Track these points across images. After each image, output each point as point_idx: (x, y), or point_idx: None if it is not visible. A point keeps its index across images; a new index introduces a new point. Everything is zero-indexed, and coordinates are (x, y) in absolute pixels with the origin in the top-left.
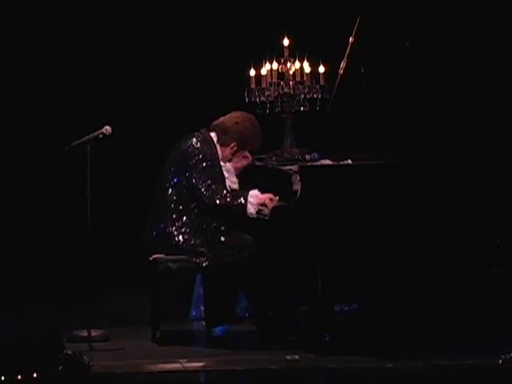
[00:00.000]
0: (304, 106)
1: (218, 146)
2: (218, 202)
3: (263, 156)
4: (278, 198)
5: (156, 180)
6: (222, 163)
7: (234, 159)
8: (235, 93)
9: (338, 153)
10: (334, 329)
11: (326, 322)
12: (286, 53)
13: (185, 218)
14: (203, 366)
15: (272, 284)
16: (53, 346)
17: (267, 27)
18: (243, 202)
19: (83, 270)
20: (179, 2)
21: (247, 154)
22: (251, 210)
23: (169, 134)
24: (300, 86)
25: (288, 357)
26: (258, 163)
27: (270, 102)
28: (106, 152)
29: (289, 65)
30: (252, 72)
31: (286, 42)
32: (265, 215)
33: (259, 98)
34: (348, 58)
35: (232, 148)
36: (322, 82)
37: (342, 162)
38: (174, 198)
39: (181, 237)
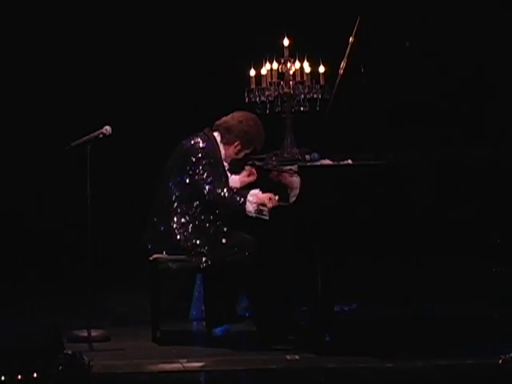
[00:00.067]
0: (304, 106)
1: (221, 146)
2: (218, 198)
3: (263, 156)
4: (277, 197)
5: (157, 180)
6: (224, 163)
7: (242, 173)
8: (235, 93)
9: (337, 153)
10: (334, 329)
11: (326, 322)
12: (286, 53)
13: (186, 217)
14: (203, 366)
15: (272, 284)
16: (53, 345)
17: (267, 27)
18: (242, 200)
19: (83, 269)
20: (179, 2)
21: (253, 170)
22: (250, 208)
23: (169, 134)
24: (300, 86)
25: (288, 357)
26: (257, 163)
27: (269, 101)
28: (106, 152)
29: (289, 65)
30: (252, 72)
31: (286, 42)
32: (264, 215)
33: (259, 98)
34: (348, 58)
35: (236, 147)
36: (322, 82)
37: (341, 162)
38: (176, 197)
39: (182, 237)
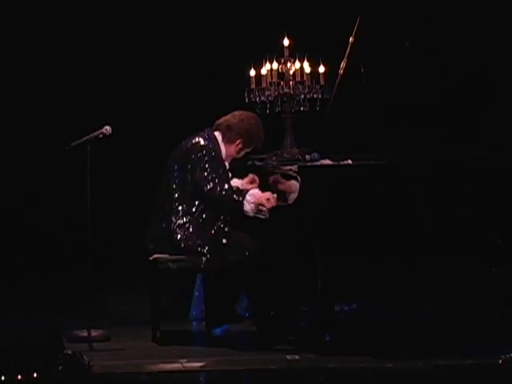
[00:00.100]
0: (304, 106)
1: (222, 145)
2: (218, 196)
3: (263, 156)
4: (275, 195)
5: (157, 180)
6: (226, 163)
7: (244, 179)
8: (235, 93)
9: (337, 153)
10: (334, 329)
11: (326, 322)
12: (286, 53)
13: (187, 217)
14: (203, 366)
15: (272, 284)
16: (53, 345)
17: (267, 27)
18: (241, 199)
19: (83, 269)
20: (179, 2)
21: (256, 178)
22: (247, 208)
23: (169, 134)
24: (300, 86)
25: (288, 357)
26: (257, 163)
27: (269, 101)
28: (106, 152)
29: (289, 65)
30: (252, 72)
31: (286, 42)
32: (262, 215)
33: (259, 98)
34: (348, 58)
35: (237, 145)
36: (322, 82)
37: (342, 162)
38: (177, 197)
39: (182, 236)
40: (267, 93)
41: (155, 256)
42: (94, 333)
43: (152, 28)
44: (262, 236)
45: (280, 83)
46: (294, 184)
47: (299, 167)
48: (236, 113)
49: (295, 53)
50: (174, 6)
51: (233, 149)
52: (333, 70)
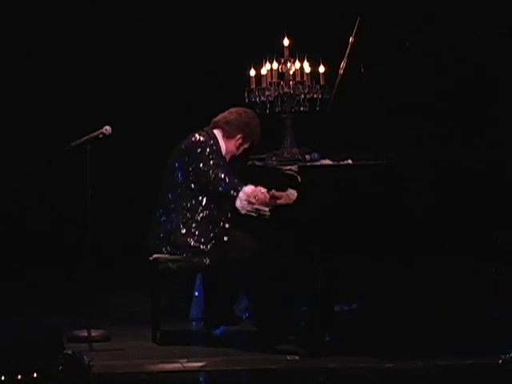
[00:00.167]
0: (304, 106)
1: (222, 142)
2: (220, 188)
3: (263, 156)
4: (273, 192)
5: (157, 180)
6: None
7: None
8: (235, 93)
9: (338, 153)
10: (334, 329)
11: (326, 322)
12: (286, 53)
13: (189, 215)
14: (203, 366)
15: (272, 284)
16: (53, 346)
17: (267, 27)
18: (235, 194)
19: (83, 270)
20: (179, 2)
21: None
22: (238, 203)
23: (169, 134)
24: (300, 86)
25: (288, 357)
26: (257, 163)
27: (269, 101)
28: (106, 152)
29: (289, 65)
30: (252, 72)
31: (286, 41)
32: (254, 213)
33: (259, 98)
34: (348, 58)
35: (237, 140)
36: (322, 82)
37: (342, 162)
38: (179, 195)
39: (184, 234)
40: (267, 93)
41: (155, 256)
42: (93, 333)
43: (152, 28)
44: (262, 236)
45: (280, 83)
46: (292, 193)
47: (299, 167)
48: (232, 109)
49: (295, 53)
50: (174, 6)
51: (233, 144)
52: (333, 70)
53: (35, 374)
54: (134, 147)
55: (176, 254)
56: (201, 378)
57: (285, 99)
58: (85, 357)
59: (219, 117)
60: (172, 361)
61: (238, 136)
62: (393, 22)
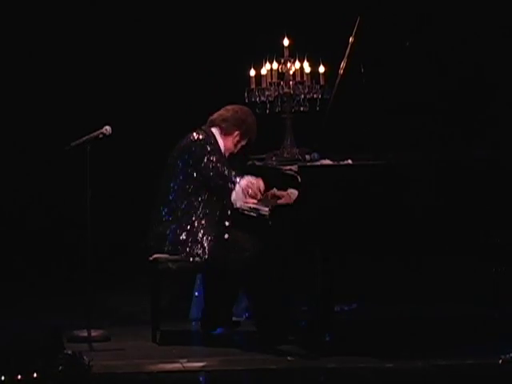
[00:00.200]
0: (304, 106)
1: (220, 140)
2: (220, 182)
3: (263, 156)
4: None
5: (157, 180)
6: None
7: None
8: (235, 93)
9: (338, 153)
10: (334, 329)
11: (326, 322)
12: (286, 53)
13: (190, 214)
14: (203, 366)
15: (272, 284)
16: (53, 346)
17: (267, 27)
18: (232, 187)
19: (83, 269)
20: (179, 2)
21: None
22: (233, 196)
23: (169, 134)
24: (300, 86)
25: (288, 357)
26: (257, 163)
27: (270, 102)
28: (106, 152)
29: (289, 65)
30: (252, 72)
31: (286, 42)
32: (249, 210)
33: (259, 98)
34: (348, 58)
35: (235, 137)
36: (322, 82)
37: (342, 162)
38: (180, 195)
39: (186, 234)
40: (267, 93)
41: (155, 256)
42: (93, 333)
43: (152, 28)
44: (262, 236)
45: (280, 83)
46: (293, 192)
47: (299, 167)
48: (228, 107)
49: (295, 53)
50: (174, 6)
51: (230, 141)
52: (333, 70)
53: (35, 374)
54: (134, 147)
55: (177, 254)
56: (201, 378)
57: (285, 99)
58: (85, 357)
59: (215, 115)
60: (172, 361)
61: (236, 133)
62: (393, 22)
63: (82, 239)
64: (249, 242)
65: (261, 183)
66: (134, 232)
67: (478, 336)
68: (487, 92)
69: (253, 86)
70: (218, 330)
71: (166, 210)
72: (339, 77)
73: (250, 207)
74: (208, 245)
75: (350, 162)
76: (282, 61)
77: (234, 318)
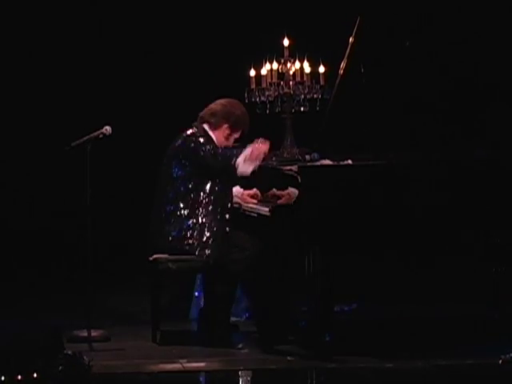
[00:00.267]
0: (304, 106)
1: (212, 136)
2: (223, 162)
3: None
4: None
5: (157, 179)
6: None
7: (247, 191)
8: (235, 93)
9: (338, 153)
10: (334, 329)
11: (326, 322)
12: (286, 53)
13: (191, 210)
14: (203, 366)
15: (272, 284)
16: (53, 346)
17: (267, 27)
18: (235, 159)
19: (83, 269)
20: (179, 2)
21: (258, 194)
22: (240, 168)
23: (169, 134)
24: (300, 87)
25: (288, 357)
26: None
27: (270, 102)
28: (106, 152)
29: (289, 65)
30: (252, 72)
31: (286, 42)
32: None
33: (259, 98)
34: (348, 58)
35: (225, 130)
36: (322, 82)
37: (341, 162)
38: (179, 193)
39: (188, 229)
40: (267, 93)
41: (155, 256)
42: (94, 333)
43: (152, 28)
44: (262, 236)
45: (280, 83)
46: (293, 192)
47: (299, 167)
48: (217, 101)
49: (295, 53)
50: (175, 5)
51: (221, 135)
52: (333, 70)
53: (35, 374)
54: (134, 147)
55: (180, 251)
56: (201, 378)
57: (285, 99)
58: (85, 357)
59: (204, 110)
60: (172, 361)
61: (224, 126)
62: (393, 22)
63: (82, 239)
64: (249, 242)
65: (265, 147)
66: (134, 232)
67: (478, 336)
68: (487, 92)
69: (253, 86)
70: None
71: (167, 208)
72: (339, 77)
73: (250, 207)
74: (211, 242)
75: (349, 162)
76: (282, 61)
77: (233, 319)
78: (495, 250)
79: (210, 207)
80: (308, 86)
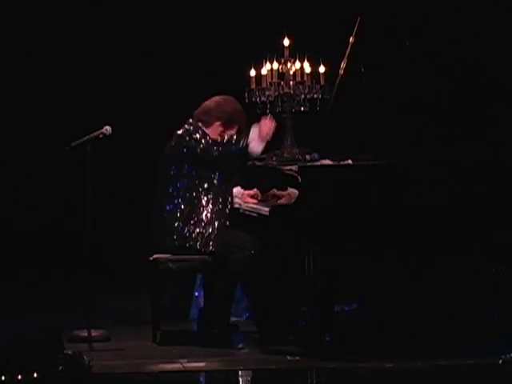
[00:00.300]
0: (304, 106)
1: (207, 132)
2: (225, 149)
3: (263, 156)
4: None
5: (156, 179)
6: None
7: (247, 191)
8: (235, 93)
9: (338, 153)
10: (334, 329)
11: (326, 322)
12: (287, 53)
13: (192, 207)
14: (203, 366)
15: (272, 284)
16: (53, 346)
17: (267, 27)
18: (245, 144)
19: (83, 269)
20: (179, 2)
21: (259, 194)
22: (254, 147)
23: (169, 135)
24: (300, 86)
25: (288, 357)
26: (258, 163)
27: (270, 102)
28: (106, 152)
29: (289, 65)
30: (252, 72)
31: (286, 42)
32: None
33: (259, 98)
34: (348, 57)
35: (218, 128)
36: (322, 82)
37: (342, 162)
38: (180, 189)
39: (190, 229)
40: (267, 93)
41: (155, 256)
42: (94, 333)
43: (152, 28)
44: (262, 236)
45: (280, 83)
46: (293, 192)
47: (299, 167)
48: (213, 98)
49: (295, 53)
50: (175, 5)
51: (215, 132)
52: (333, 70)
53: (35, 374)
54: (134, 147)
55: (177, 254)
56: (201, 378)
57: (285, 99)
58: (85, 357)
59: (199, 108)
60: (172, 361)
61: (217, 123)
62: (393, 22)
63: (82, 239)
64: (249, 242)
65: (272, 124)
66: (134, 232)
67: (478, 336)
68: (487, 91)
69: (253, 85)
70: (215, 332)
71: (167, 207)
72: (339, 77)
73: (250, 207)
74: (214, 237)
75: (350, 162)
76: (283, 61)
77: (233, 319)
78: (495, 249)
79: (211, 203)
80: (308, 86)
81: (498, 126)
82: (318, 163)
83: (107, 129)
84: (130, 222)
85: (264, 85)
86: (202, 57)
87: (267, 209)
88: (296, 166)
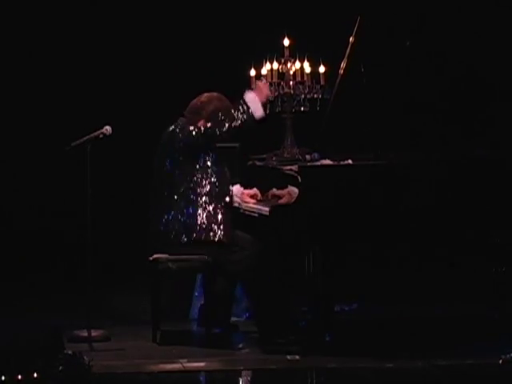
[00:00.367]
0: (304, 106)
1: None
2: (220, 127)
3: (263, 156)
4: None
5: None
6: None
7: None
8: (235, 93)
9: (338, 153)
10: (334, 329)
11: (326, 322)
12: (287, 53)
13: (192, 203)
14: (203, 366)
15: (272, 284)
16: (53, 346)
17: (267, 27)
18: (247, 109)
19: (83, 269)
20: (179, 2)
21: (258, 194)
22: (257, 112)
23: None
24: (300, 86)
25: (288, 357)
26: (258, 163)
27: (270, 101)
28: (106, 152)
29: (289, 65)
30: (252, 72)
31: (286, 41)
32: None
33: None
34: (348, 57)
35: (203, 126)
36: (322, 82)
37: (342, 162)
38: (178, 186)
39: (194, 222)
40: None
41: (155, 256)
42: (94, 333)
43: (152, 28)
44: (262, 236)
45: (280, 83)
46: (293, 190)
47: (299, 167)
48: (200, 95)
49: (295, 53)
50: (175, 5)
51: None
52: (333, 70)
53: (35, 374)
54: (134, 147)
55: (177, 254)
56: (201, 378)
57: (285, 99)
58: (85, 357)
59: (188, 108)
60: (172, 361)
61: (200, 122)
62: (393, 22)
63: (82, 239)
64: (249, 242)
65: (267, 85)
66: (134, 232)
67: (478, 336)
68: (487, 91)
69: (253, 85)
70: (216, 330)
71: (167, 206)
72: (339, 77)
73: (250, 207)
74: (220, 224)
75: (350, 162)
76: (283, 61)
77: (233, 319)
78: (495, 249)
79: (211, 195)
80: (308, 86)
81: (497, 126)
82: (318, 163)
83: (107, 129)
84: (130, 222)
85: None
86: (202, 57)
87: (267, 209)
88: (296, 166)
